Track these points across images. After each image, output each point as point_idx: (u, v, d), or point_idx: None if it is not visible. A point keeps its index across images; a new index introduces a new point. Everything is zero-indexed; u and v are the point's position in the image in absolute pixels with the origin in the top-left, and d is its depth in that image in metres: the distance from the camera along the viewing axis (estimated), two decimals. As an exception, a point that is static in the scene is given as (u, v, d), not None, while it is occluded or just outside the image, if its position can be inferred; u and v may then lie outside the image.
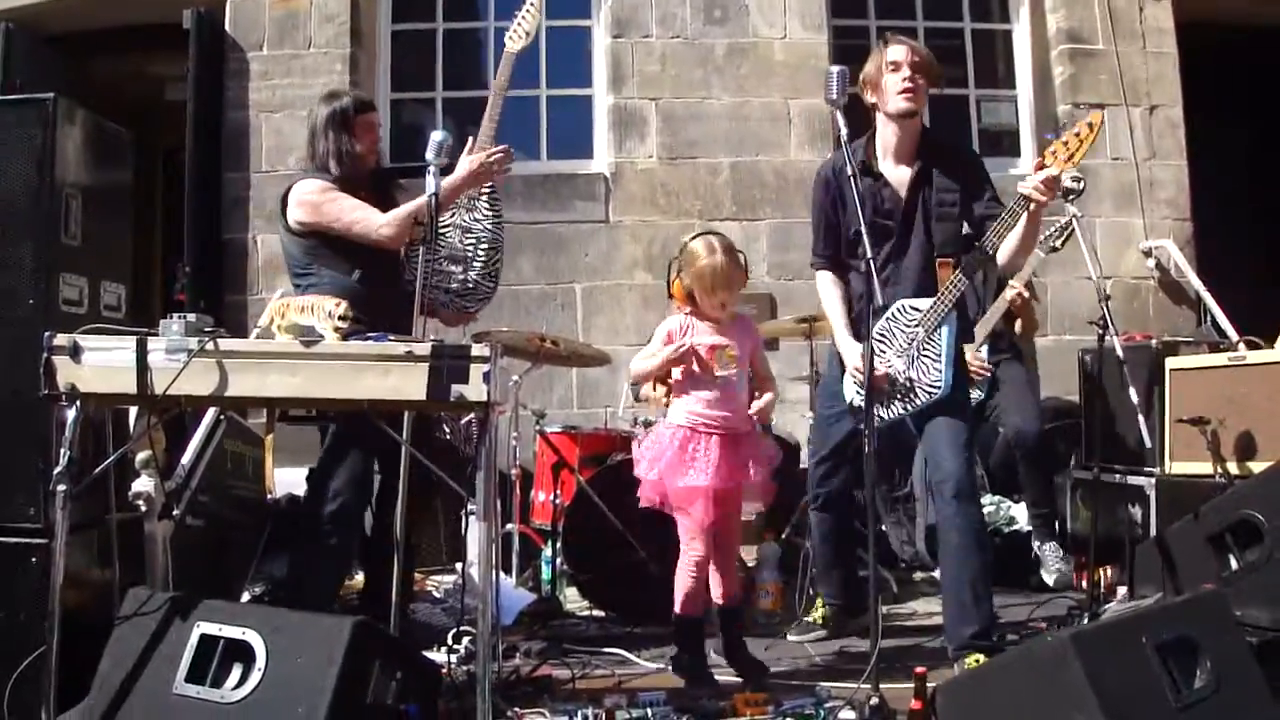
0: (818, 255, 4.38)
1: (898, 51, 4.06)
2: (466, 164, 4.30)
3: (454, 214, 4.44)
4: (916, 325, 4.04)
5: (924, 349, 4.05)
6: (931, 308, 4.02)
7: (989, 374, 5.23)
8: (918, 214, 4.10)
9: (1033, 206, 3.81)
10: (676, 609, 4.05)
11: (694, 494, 3.94)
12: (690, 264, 3.98)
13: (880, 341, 4.08)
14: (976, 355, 5.14)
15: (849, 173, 3.71)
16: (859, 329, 4.10)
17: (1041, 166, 3.82)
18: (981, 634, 3.90)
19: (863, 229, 3.62)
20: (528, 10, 4.54)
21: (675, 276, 4.08)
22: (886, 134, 4.16)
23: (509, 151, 4.36)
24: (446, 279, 4.39)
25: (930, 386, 4.04)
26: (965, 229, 4.16)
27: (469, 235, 4.32)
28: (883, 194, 4.14)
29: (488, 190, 4.45)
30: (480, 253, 4.39)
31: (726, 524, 4.06)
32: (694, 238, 4.08)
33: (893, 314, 4.06)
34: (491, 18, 7.91)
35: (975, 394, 5.14)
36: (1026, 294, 5.18)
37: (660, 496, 4.00)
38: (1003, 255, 4.03)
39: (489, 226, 4.43)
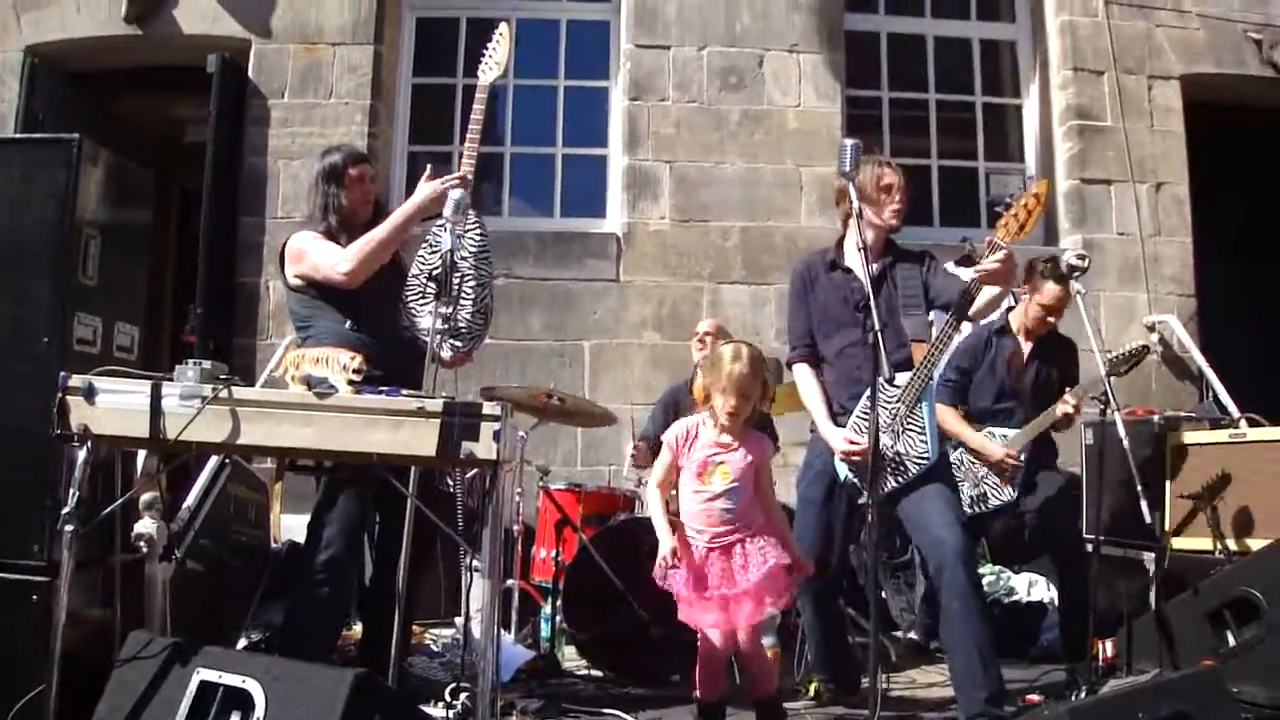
0: (797, 348, 4.53)
1: (891, 175, 4.35)
2: (423, 190, 4.28)
3: (439, 251, 4.25)
4: (897, 401, 4.13)
5: (907, 423, 4.15)
6: (909, 383, 4.12)
7: (1018, 466, 5.13)
8: (884, 305, 4.18)
9: (988, 279, 3.96)
10: (695, 693, 4.03)
11: (679, 598, 3.94)
12: (714, 364, 4.01)
13: (865, 419, 4.15)
14: (1011, 453, 5.09)
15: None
16: (837, 418, 4.32)
17: (994, 243, 3.93)
18: (993, 699, 3.88)
19: (872, 301, 3.73)
20: (497, 40, 4.48)
21: (701, 377, 4.11)
22: (861, 238, 4.28)
23: (464, 178, 4.27)
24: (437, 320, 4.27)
25: (919, 458, 4.14)
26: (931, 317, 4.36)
27: (455, 273, 4.19)
28: (852, 287, 4.35)
29: (474, 225, 4.30)
30: (468, 289, 4.25)
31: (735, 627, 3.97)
32: (729, 343, 4.14)
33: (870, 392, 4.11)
34: (511, 75, 8.02)
35: (1009, 492, 5.11)
36: (1074, 413, 5.08)
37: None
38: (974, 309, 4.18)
39: (476, 264, 4.28)
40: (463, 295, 4.21)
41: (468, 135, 4.40)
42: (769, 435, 4.91)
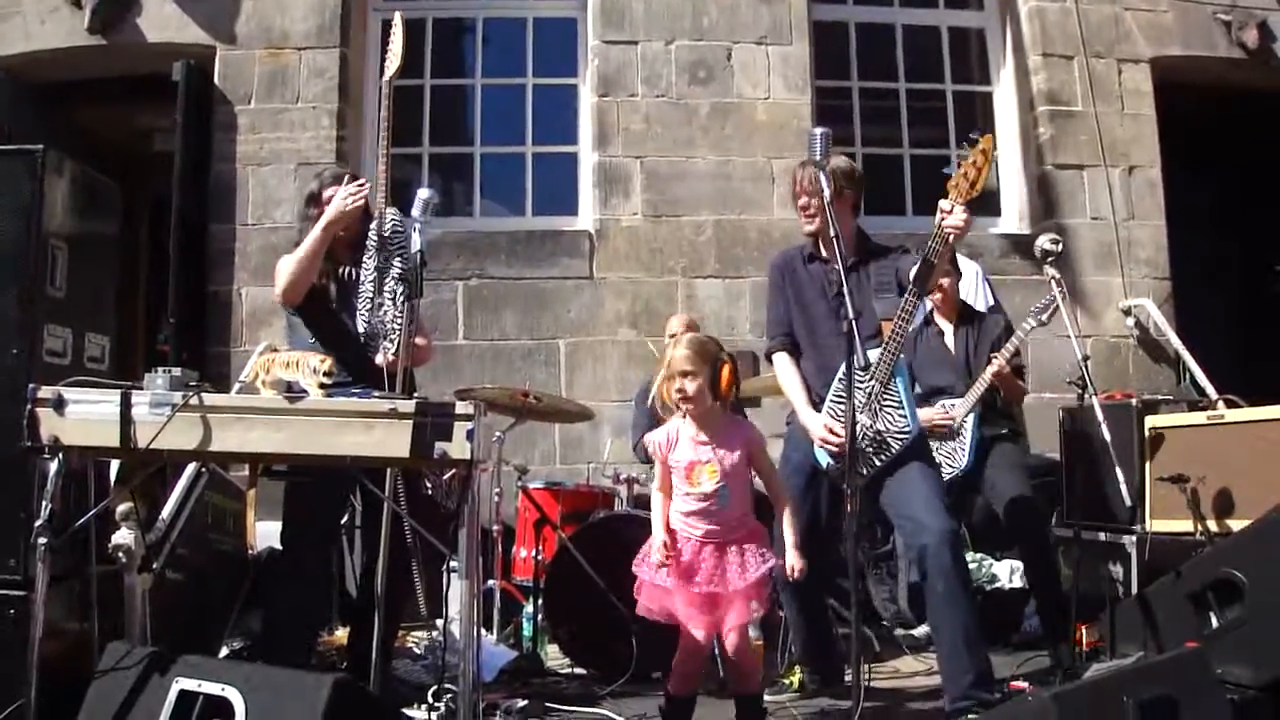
0: (776, 337, 4.53)
1: (796, 183, 4.39)
2: (335, 203, 4.21)
3: (371, 257, 4.22)
4: (871, 379, 4.12)
5: (883, 400, 4.14)
6: (880, 359, 4.12)
7: (950, 425, 5.18)
8: (856, 293, 4.13)
9: (950, 240, 3.99)
10: (668, 686, 3.99)
11: (663, 592, 3.88)
12: (659, 363, 4.01)
13: (839, 403, 4.14)
14: (942, 409, 5.20)
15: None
16: (817, 405, 4.33)
17: (949, 212, 3.95)
18: (980, 681, 3.87)
19: (844, 289, 3.74)
20: (394, 33, 4.37)
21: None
22: (834, 227, 4.30)
23: (361, 185, 4.22)
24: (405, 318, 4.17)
25: (900, 433, 4.14)
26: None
27: (387, 279, 4.13)
28: (830, 278, 4.35)
29: (396, 233, 4.20)
30: (389, 290, 4.14)
31: (722, 625, 3.92)
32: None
33: (841, 375, 4.08)
34: (478, 75, 8.01)
35: (961, 460, 5.16)
36: (1007, 368, 5.15)
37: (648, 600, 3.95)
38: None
39: (397, 273, 4.12)
40: (386, 296, 4.16)
41: (380, 136, 4.38)
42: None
